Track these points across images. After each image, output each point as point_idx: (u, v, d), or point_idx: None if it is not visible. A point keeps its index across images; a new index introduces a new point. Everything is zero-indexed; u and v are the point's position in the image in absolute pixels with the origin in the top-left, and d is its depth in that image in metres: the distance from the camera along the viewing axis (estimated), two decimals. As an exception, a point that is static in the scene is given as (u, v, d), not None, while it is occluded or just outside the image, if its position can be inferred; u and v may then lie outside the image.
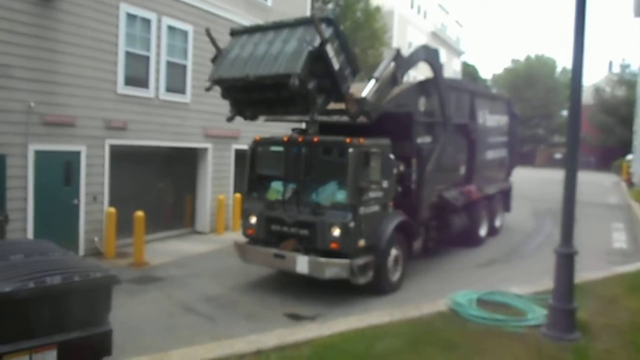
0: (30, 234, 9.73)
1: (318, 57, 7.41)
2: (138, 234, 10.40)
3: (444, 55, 48.86)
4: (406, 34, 37.23)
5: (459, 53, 53.38)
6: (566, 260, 5.75)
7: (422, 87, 10.41)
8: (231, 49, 8.44)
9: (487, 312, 6.34)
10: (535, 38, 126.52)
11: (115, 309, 5.23)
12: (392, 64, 8.77)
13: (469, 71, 56.60)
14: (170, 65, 12.67)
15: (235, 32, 8.74)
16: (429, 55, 10.20)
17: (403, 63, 9.04)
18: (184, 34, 13.04)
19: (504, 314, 6.36)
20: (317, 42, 7.33)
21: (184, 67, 13.08)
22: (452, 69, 50.28)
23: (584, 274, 7.60)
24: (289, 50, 7.53)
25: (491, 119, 13.71)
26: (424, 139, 10.05)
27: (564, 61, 71.55)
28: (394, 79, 8.81)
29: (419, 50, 9.97)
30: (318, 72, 7.54)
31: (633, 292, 7.69)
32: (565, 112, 51.86)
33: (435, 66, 10.33)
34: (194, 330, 7.01)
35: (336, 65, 7.66)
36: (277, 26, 8.14)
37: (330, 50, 7.52)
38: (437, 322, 6.16)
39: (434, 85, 10.36)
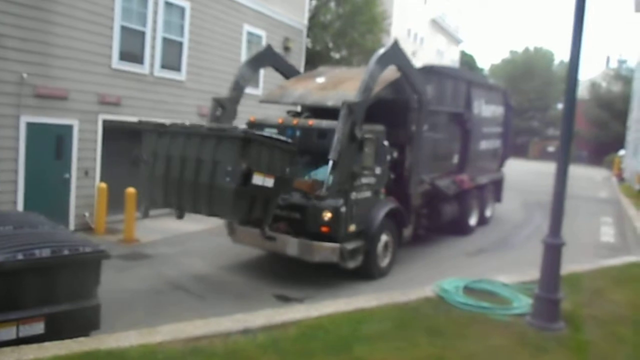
0: (20, 207, 9.68)
1: (247, 183, 6.71)
2: (129, 211, 10.37)
3: (443, 44, 48.74)
4: (406, 21, 37.01)
5: (457, 41, 53.17)
6: (553, 251, 5.81)
7: (421, 74, 10.35)
8: (151, 159, 7.64)
9: (473, 300, 6.41)
10: (535, 30, 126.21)
11: (104, 284, 5.24)
12: (348, 124, 7.71)
13: (467, 61, 56.41)
14: (166, 41, 12.54)
15: (144, 129, 7.85)
16: (388, 60, 8.67)
17: (360, 110, 7.90)
18: (181, 10, 12.88)
19: (490, 302, 6.43)
20: (238, 173, 6.59)
21: (180, 44, 12.95)
22: (450, 57, 50.12)
23: (570, 265, 7.68)
24: (215, 186, 6.83)
25: (487, 109, 13.71)
26: (419, 127, 10.01)
27: (562, 54, 71.50)
28: (353, 136, 7.80)
29: (374, 68, 8.27)
30: (252, 192, 6.89)
31: (618, 285, 7.79)
32: (560, 105, 51.92)
33: (400, 63, 9.02)
34: (182, 307, 7.05)
35: (269, 183, 6.96)
36: (187, 131, 7.25)
37: (257, 178, 6.76)
38: (424, 307, 6.23)
39: (405, 79, 9.30)
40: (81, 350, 4.40)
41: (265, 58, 10.19)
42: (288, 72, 10.86)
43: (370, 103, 8.26)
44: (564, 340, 5.52)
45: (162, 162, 7.43)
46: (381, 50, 8.66)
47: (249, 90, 11.12)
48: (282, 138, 7.49)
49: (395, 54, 8.89)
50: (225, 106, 9.12)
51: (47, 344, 4.45)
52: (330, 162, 7.63)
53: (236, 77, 9.46)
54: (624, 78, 48.46)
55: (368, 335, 5.25)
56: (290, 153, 7.49)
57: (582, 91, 42.30)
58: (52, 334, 4.63)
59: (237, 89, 9.39)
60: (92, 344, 4.57)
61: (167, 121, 7.51)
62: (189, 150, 7.12)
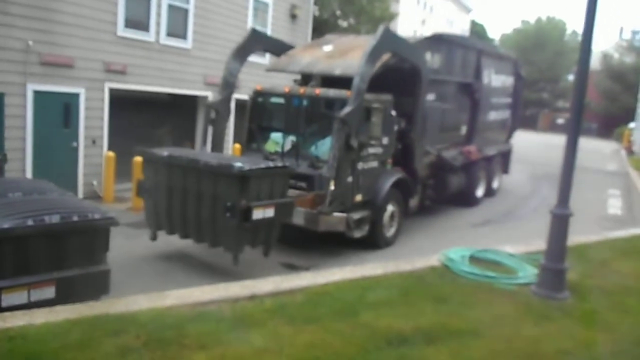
0: (28, 175, 9.76)
1: (247, 219, 6.62)
2: (137, 179, 10.39)
3: (453, 13, 47.76)
4: (415, -12, 36.25)
5: (467, 10, 52.18)
6: (561, 221, 5.80)
7: (429, 42, 10.20)
8: (154, 189, 7.52)
9: (478, 269, 6.44)
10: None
11: (113, 250, 5.30)
12: (343, 136, 7.58)
13: (477, 30, 55.43)
14: (171, 8, 12.37)
15: (144, 158, 7.69)
16: (378, 54, 8.11)
17: (353, 119, 7.63)
18: (187, -24, 12.67)
19: (496, 271, 6.46)
20: (238, 211, 6.51)
21: (185, 11, 12.77)
22: (460, 26, 49.27)
23: (577, 237, 7.67)
24: (216, 221, 6.81)
25: (496, 79, 13.53)
26: (420, 98, 9.83)
27: (574, 24, 69.84)
28: (349, 147, 7.69)
29: (364, 69, 7.77)
30: (254, 225, 6.81)
31: (624, 257, 7.79)
32: (571, 77, 51.13)
33: (392, 49, 8.51)
34: (190, 273, 7.16)
35: (270, 214, 6.89)
36: (184, 165, 7.03)
37: (257, 212, 6.67)
38: (429, 276, 6.27)
39: (403, 60, 8.92)
40: (91, 314, 4.48)
41: (251, 44, 9.64)
42: (279, 50, 10.45)
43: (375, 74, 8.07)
44: (568, 310, 5.55)
45: (164, 193, 7.36)
46: (368, 47, 7.96)
47: (255, 59, 11.00)
48: (279, 164, 7.40)
49: (385, 43, 8.24)
50: (219, 109, 9.01)
51: (58, 307, 4.52)
52: (331, 184, 7.63)
53: (224, 75, 9.19)
54: (636, 49, 47.56)
55: (374, 302, 5.31)
56: (289, 175, 7.47)
57: (594, 62, 41.50)
58: (63, 298, 4.70)
59: (228, 87, 9.18)
60: (102, 307, 4.65)
61: (165, 152, 7.32)
62: (188, 183, 7.06)
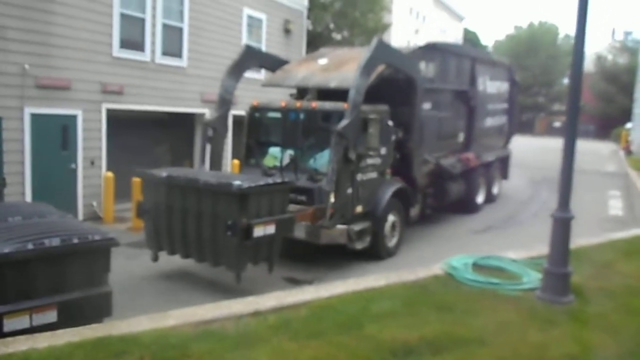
0: (28, 198, 9.74)
1: (248, 237, 6.65)
2: (136, 199, 10.39)
3: (446, 21, 48.06)
4: (407, -1, 36.53)
5: (460, 18, 52.55)
6: (562, 225, 5.78)
7: (423, 52, 10.26)
8: (153, 209, 7.53)
9: (482, 276, 6.41)
10: (539, 4, 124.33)
11: (114, 271, 5.27)
12: (341, 149, 7.59)
13: (470, 38, 55.79)
14: (166, 27, 12.46)
15: (144, 179, 7.72)
16: (372, 66, 8.10)
17: (350, 132, 7.62)
18: (180, -5, 12.77)
19: (499, 277, 6.43)
20: (238, 229, 6.53)
21: (180, 30, 12.86)
22: (453, 35, 49.61)
23: (579, 239, 7.65)
24: (217, 240, 6.81)
25: (491, 86, 13.59)
26: (416, 108, 9.85)
27: (566, 28, 70.28)
28: (347, 159, 7.71)
29: (359, 82, 7.77)
30: (255, 243, 6.81)
31: (627, 258, 7.76)
32: (566, 80, 51.34)
33: (387, 61, 8.55)
34: (192, 292, 7.12)
35: (271, 231, 6.89)
36: (183, 185, 7.04)
37: (258, 230, 6.69)
38: (433, 285, 6.23)
39: (397, 71, 8.99)
40: (94, 336, 4.44)
41: (246, 61, 9.63)
42: (274, 65, 10.45)
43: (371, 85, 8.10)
44: (573, 313, 5.52)
45: (164, 213, 7.34)
46: (363, 59, 7.97)
47: (251, 74, 11.06)
48: (278, 180, 7.41)
49: (379, 55, 8.24)
50: (216, 127, 9.02)
51: (60, 331, 4.48)
52: (330, 200, 7.62)
53: (220, 92, 9.19)
54: (630, 50, 47.85)
55: (378, 313, 5.27)
56: (289, 190, 7.45)
57: (588, 64, 41.76)
58: (65, 321, 4.66)
59: (224, 105, 9.18)
60: (105, 330, 4.61)
61: (164, 173, 7.33)
62: (188, 203, 7.05)
